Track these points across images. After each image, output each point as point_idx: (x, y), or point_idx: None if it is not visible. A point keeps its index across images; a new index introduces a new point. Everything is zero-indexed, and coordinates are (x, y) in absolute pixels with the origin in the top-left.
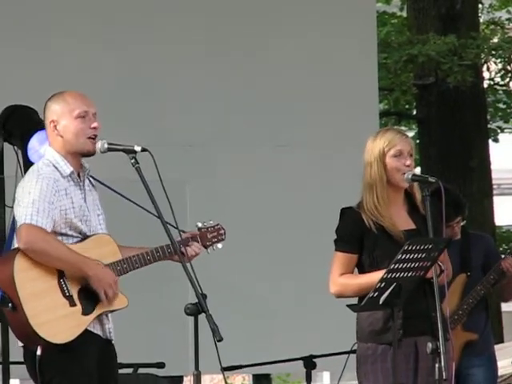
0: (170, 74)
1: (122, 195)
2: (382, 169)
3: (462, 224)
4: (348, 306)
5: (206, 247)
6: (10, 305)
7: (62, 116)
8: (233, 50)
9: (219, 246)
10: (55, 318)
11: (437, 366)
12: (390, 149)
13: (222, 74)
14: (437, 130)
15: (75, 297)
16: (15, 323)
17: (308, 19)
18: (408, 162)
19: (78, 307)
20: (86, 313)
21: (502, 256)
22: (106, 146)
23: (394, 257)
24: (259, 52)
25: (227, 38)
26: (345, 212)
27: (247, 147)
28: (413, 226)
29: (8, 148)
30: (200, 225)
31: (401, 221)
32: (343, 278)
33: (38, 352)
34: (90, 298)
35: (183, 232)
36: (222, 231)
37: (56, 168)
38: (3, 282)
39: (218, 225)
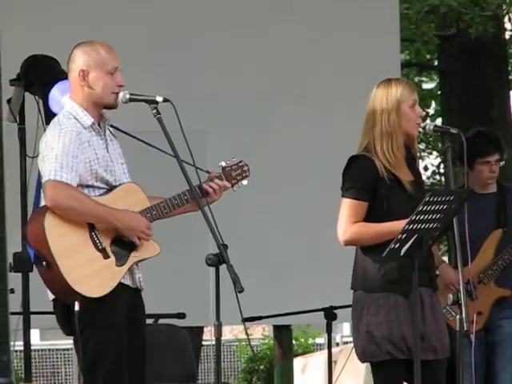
0: (193, 26)
1: (143, 141)
2: (400, 117)
3: (500, 165)
4: None
5: (232, 186)
6: (43, 263)
7: (93, 68)
8: (256, 3)
9: (244, 182)
10: (90, 273)
11: (458, 317)
12: (408, 98)
13: (243, 26)
14: (458, 81)
15: (108, 249)
16: (50, 280)
17: None
18: (422, 113)
19: (112, 259)
20: (119, 264)
21: None
22: (127, 96)
23: (407, 206)
24: (282, 7)
25: None
26: (357, 159)
27: (267, 99)
28: (412, 178)
29: (29, 98)
30: (224, 164)
31: (404, 170)
32: (358, 225)
33: (76, 307)
34: (122, 248)
35: (208, 173)
36: (246, 167)
37: (77, 120)
38: (35, 241)
39: (241, 161)
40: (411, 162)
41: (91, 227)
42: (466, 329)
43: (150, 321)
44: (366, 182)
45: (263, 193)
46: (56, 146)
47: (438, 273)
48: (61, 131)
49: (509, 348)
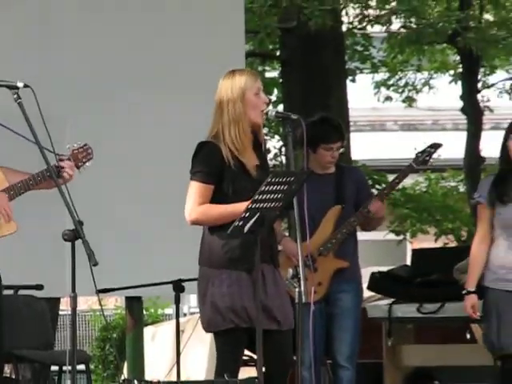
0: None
1: (3, 125)
2: (245, 105)
3: (341, 151)
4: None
5: (78, 167)
6: None
7: None
8: None
9: (88, 164)
10: None
11: (297, 290)
12: (252, 87)
13: (95, 16)
14: (298, 70)
15: None
16: None
17: None
18: (267, 100)
19: None
20: None
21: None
22: None
23: (251, 189)
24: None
25: None
26: (205, 145)
27: (123, 88)
28: (257, 162)
29: None
30: (69, 146)
31: (250, 155)
32: (204, 207)
33: None
34: None
35: (59, 155)
36: (90, 150)
37: None
38: None
39: (85, 145)
40: (258, 147)
41: None
42: (304, 301)
43: (10, 292)
44: (212, 166)
45: (119, 175)
46: None
47: (280, 248)
48: None
49: (346, 320)
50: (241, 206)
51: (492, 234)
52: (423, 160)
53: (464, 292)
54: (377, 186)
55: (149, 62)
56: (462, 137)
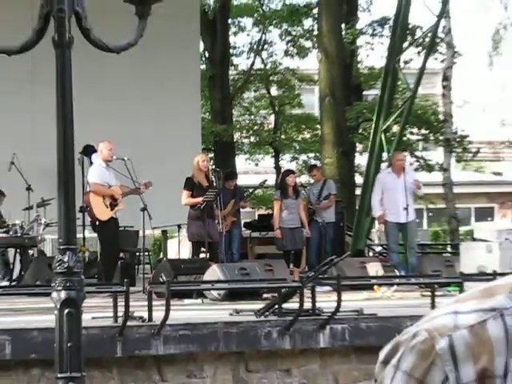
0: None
1: (121, 173)
2: (198, 166)
3: (235, 183)
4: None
5: (146, 188)
6: (88, 208)
7: (104, 149)
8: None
9: (150, 188)
10: (102, 211)
11: (219, 227)
12: (200, 159)
13: None
14: (220, 154)
15: (108, 205)
16: (90, 214)
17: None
18: (206, 164)
19: (109, 208)
20: (112, 209)
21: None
22: (114, 157)
23: (203, 194)
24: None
25: None
26: (189, 178)
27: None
28: (206, 184)
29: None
30: (143, 180)
31: (204, 182)
32: (187, 199)
33: (97, 223)
34: (113, 205)
35: (139, 183)
36: (151, 182)
37: (101, 165)
38: (86, 201)
39: (149, 180)
40: (209, 179)
41: (103, 198)
42: (221, 231)
43: (121, 228)
44: (190, 186)
45: (164, 179)
46: (94, 172)
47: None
48: (96, 168)
49: (236, 237)
50: (199, 200)
51: (281, 209)
52: (261, 185)
53: (276, 228)
54: (246, 193)
55: (147, 124)
56: (275, 176)
